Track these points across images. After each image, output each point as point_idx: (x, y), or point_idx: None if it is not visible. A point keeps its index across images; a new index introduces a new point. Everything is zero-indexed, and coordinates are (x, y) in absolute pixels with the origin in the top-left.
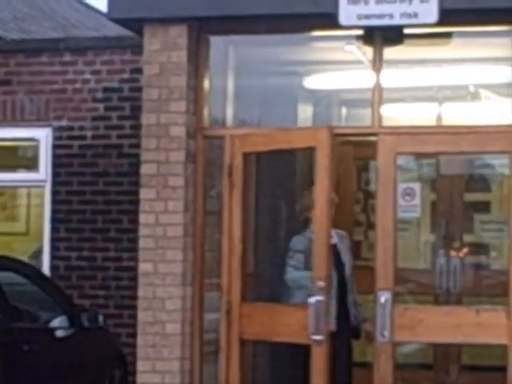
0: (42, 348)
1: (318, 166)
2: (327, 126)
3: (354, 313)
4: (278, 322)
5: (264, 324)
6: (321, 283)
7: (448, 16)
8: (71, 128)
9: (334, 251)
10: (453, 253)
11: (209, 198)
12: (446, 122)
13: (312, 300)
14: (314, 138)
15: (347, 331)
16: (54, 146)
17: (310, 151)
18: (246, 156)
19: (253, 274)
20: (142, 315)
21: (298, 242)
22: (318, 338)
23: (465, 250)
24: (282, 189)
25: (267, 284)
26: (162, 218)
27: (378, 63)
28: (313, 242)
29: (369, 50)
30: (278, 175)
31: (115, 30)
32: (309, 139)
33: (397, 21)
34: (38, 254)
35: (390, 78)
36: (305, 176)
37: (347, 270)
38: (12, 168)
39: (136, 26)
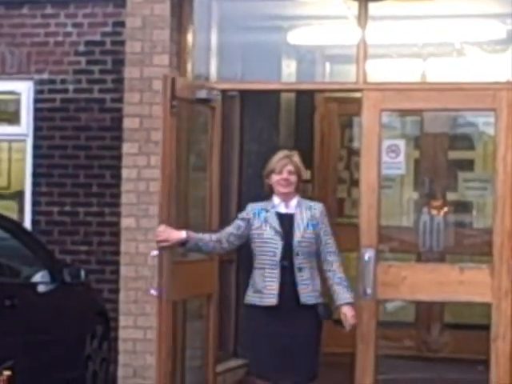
0: (23, 303)
1: None
2: (164, 74)
3: (304, 295)
4: None
5: None
6: (159, 237)
7: None
8: (53, 81)
9: (287, 221)
10: (434, 211)
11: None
12: (432, 78)
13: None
14: None
15: (299, 310)
16: (36, 100)
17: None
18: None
19: None
20: (124, 271)
21: (247, 209)
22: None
23: (445, 208)
24: (265, 144)
25: None
26: (144, 173)
27: (363, 18)
28: (267, 212)
29: (354, 5)
30: (262, 131)
31: None
32: None
33: None
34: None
35: (375, 33)
36: (289, 131)
37: (296, 242)
38: None
39: None
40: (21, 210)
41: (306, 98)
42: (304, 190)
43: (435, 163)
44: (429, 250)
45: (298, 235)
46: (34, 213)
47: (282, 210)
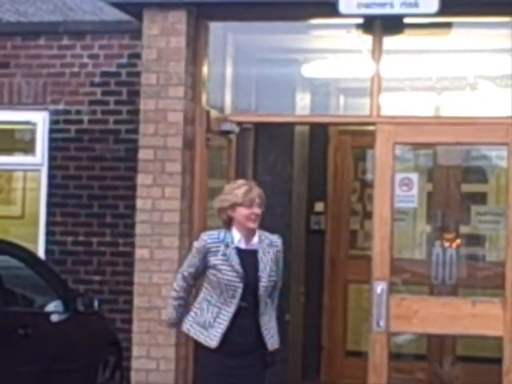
0: (37, 332)
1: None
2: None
3: (271, 340)
4: None
5: None
6: None
7: (448, 6)
8: (68, 112)
9: (249, 259)
10: (446, 244)
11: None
12: (445, 112)
13: None
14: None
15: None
16: (51, 130)
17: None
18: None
19: None
20: (137, 301)
21: (202, 242)
22: None
23: (458, 241)
24: (279, 176)
25: None
26: (158, 204)
27: (377, 52)
28: (227, 247)
29: (368, 39)
30: (276, 163)
31: (112, 14)
32: None
33: (397, 10)
34: None
35: (389, 67)
36: (303, 163)
37: (262, 288)
38: (8, 151)
39: (135, 10)
40: (34, 240)
41: (319, 131)
42: (317, 221)
43: (448, 196)
44: (441, 283)
45: (264, 280)
46: (48, 242)
47: (243, 245)
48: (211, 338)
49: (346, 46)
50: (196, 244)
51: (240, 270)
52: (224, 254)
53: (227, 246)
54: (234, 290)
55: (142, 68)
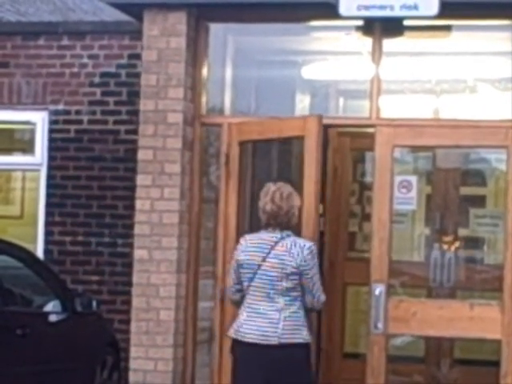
0: (35, 332)
1: (306, 156)
2: (317, 115)
3: None
4: None
5: None
6: None
7: (448, 9)
8: (68, 112)
9: None
10: (445, 246)
11: (205, 185)
12: (444, 115)
13: None
14: (303, 128)
15: None
16: (51, 130)
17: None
18: (241, 145)
19: None
20: (135, 301)
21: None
22: None
23: (456, 244)
24: (278, 178)
25: None
26: (157, 205)
27: (377, 54)
28: None
29: (368, 41)
30: (275, 164)
31: (112, 14)
32: (298, 128)
33: (397, 12)
34: None
35: (389, 69)
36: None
37: None
38: (8, 151)
39: (135, 11)
40: (33, 240)
41: None
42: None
43: (447, 199)
44: (439, 286)
45: None
46: (47, 242)
47: None
48: None
49: (346, 48)
50: (315, 249)
51: None
52: None
53: None
54: None
55: (142, 69)
